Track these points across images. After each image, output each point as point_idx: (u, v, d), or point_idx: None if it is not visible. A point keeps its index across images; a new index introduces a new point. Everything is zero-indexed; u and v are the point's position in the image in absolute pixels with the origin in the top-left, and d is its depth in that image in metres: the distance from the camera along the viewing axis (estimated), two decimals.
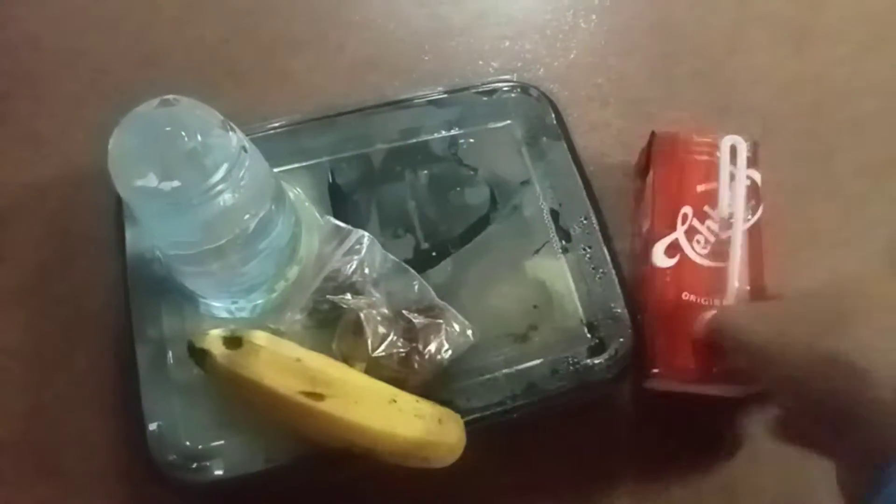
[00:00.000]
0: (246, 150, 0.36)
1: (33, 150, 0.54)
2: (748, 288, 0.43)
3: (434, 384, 0.41)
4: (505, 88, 0.51)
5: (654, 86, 0.57)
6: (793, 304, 0.38)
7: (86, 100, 0.56)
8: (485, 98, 0.51)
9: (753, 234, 0.45)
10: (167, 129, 0.34)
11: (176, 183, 0.34)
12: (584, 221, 0.47)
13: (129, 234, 0.45)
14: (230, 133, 0.36)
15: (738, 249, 0.44)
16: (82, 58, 0.58)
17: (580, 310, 0.45)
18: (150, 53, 0.58)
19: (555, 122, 0.50)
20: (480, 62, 0.58)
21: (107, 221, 0.48)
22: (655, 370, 0.42)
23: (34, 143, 0.54)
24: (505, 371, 0.43)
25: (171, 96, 0.35)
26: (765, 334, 0.36)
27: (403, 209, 0.48)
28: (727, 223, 0.45)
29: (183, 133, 0.35)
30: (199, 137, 0.35)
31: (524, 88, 0.51)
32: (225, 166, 0.35)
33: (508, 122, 0.51)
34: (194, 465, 0.40)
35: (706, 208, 0.46)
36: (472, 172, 0.49)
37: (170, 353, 0.43)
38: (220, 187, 0.35)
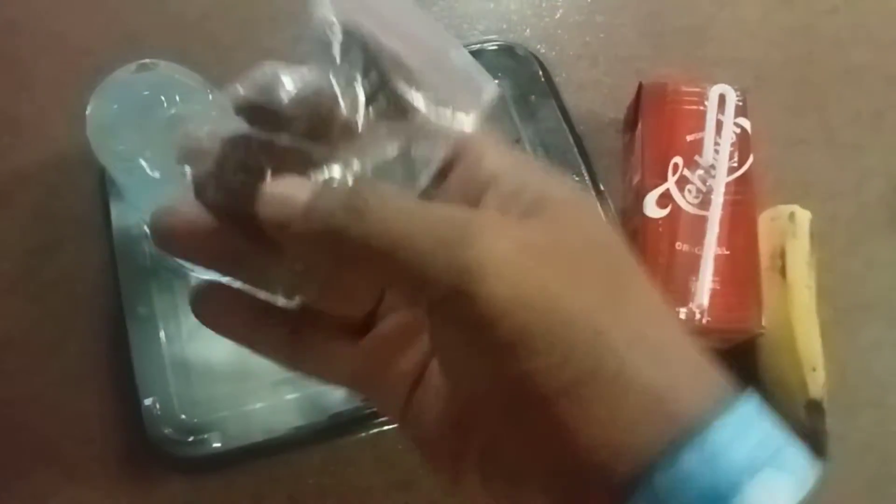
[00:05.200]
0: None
1: (14, 136, 0.53)
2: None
3: None
4: (491, 48, 0.50)
5: (644, 42, 0.57)
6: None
7: (66, 82, 0.55)
8: None
9: (744, 183, 0.45)
10: (146, 92, 0.34)
11: (156, 148, 0.33)
12: (577, 179, 0.46)
13: (114, 212, 0.45)
14: (210, 95, 0.35)
15: (719, 197, 0.44)
16: (61, 40, 0.57)
17: None
18: (130, 32, 0.57)
19: (543, 80, 0.49)
20: (465, 25, 0.57)
21: (92, 204, 0.48)
22: None
23: (15, 128, 0.54)
24: None
25: (148, 60, 0.35)
26: None
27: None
28: (712, 172, 0.45)
29: (162, 97, 0.34)
30: (178, 101, 0.34)
31: (510, 47, 0.51)
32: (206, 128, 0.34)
33: (496, 81, 0.50)
34: (191, 439, 0.40)
35: (697, 157, 0.45)
36: None
37: (162, 330, 0.43)
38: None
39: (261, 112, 0.20)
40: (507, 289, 0.17)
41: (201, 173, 0.20)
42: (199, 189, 0.20)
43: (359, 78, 0.20)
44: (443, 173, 0.21)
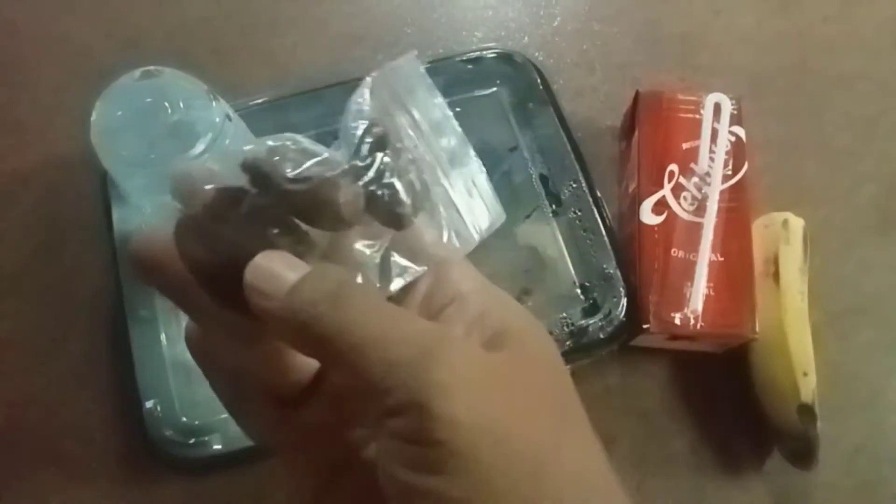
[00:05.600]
0: (230, 119, 0.36)
1: (16, 138, 0.54)
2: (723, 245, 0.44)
3: None
4: (489, 56, 0.51)
5: (640, 50, 0.57)
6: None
7: (67, 85, 0.55)
8: (469, 66, 0.51)
9: (738, 190, 0.45)
10: (149, 99, 0.34)
11: (160, 153, 0.33)
12: (574, 185, 0.47)
13: (116, 215, 0.45)
14: (213, 102, 0.35)
15: (714, 204, 0.45)
16: (62, 43, 0.57)
17: (572, 272, 0.45)
18: (131, 35, 0.57)
19: (541, 87, 0.50)
20: (464, 32, 0.57)
21: (93, 206, 0.48)
22: (646, 325, 0.42)
23: (16, 130, 0.54)
24: None
25: (152, 67, 0.35)
26: None
27: None
28: (707, 179, 0.46)
29: (166, 103, 0.34)
30: (181, 107, 0.34)
31: (509, 55, 0.51)
32: (209, 136, 0.34)
33: (494, 89, 0.50)
34: (192, 441, 0.40)
35: (692, 165, 0.46)
36: None
37: (163, 333, 0.44)
38: (204, 157, 0.34)
39: (265, 177, 0.20)
40: (465, 411, 0.18)
41: (186, 216, 0.20)
42: (179, 230, 0.20)
43: (369, 176, 0.21)
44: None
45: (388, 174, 0.21)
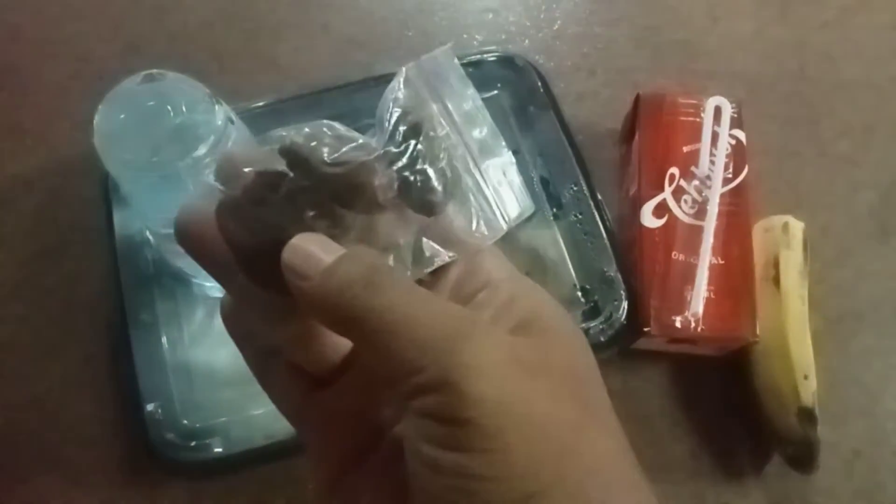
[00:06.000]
0: (233, 122, 0.36)
1: (17, 142, 0.54)
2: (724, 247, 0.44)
3: None
4: (490, 59, 0.51)
5: (641, 54, 0.57)
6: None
7: (68, 89, 0.55)
8: (470, 69, 0.51)
9: (738, 194, 0.46)
10: (152, 103, 0.34)
11: (163, 156, 0.33)
12: (575, 188, 0.47)
13: (117, 219, 0.45)
14: (216, 106, 0.36)
15: (715, 208, 0.45)
16: (64, 47, 0.57)
17: (573, 275, 0.45)
18: (132, 40, 0.58)
19: (542, 90, 0.50)
20: (465, 36, 0.58)
21: (95, 210, 0.48)
22: (647, 329, 0.42)
23: (18, 134, 0.54)
24: None
25: (155, 70, 0.35)
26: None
27: None
28: (708, 182, 0.46)
29: (168, 107, 0.34)
30: (184, 110, 0.34)
31: (510, 58, 0.51)
32: (212, 139, 0.34)
33: (495, 92, 0.51)
34: (193, 444, 0.40)
35: (693, 168, 0.46)
36: None
37: (164, 336, 0.44)
38: (207, 160, 0.35)
39: (303, 161, 0.20)
40: (492, 391, 0.18)
41: (228, 197, 0.20)
42: (220, 210, 0.20)
43: (403, 162, 0.21)
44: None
45: (420, 161, 0.21)
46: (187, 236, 0.21)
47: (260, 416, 0.41)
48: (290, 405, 0.24)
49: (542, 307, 0.22)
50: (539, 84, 0.50)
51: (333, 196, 0.21)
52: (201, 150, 0.34)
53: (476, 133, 0.23)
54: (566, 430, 0.19)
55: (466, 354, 0.19)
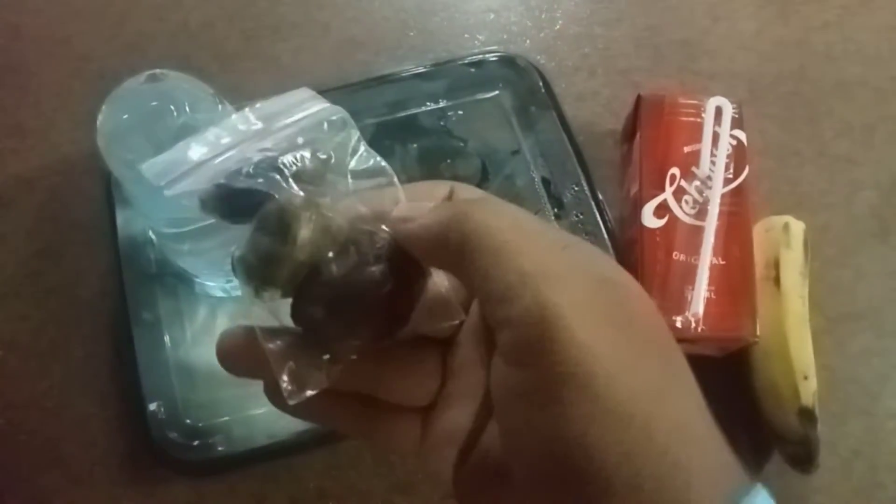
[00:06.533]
0: None
1: (18, 141, 0.54)
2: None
3: None
4: (491, 59, 0.51)
5: (641, 54, 0.57)
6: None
7: (69, 88, 0.55)
8: (472, 69, 0.51)
9: (739, 194, 0.46)
10: (155, 103, 0.34)
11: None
12: (576, 188, 0.47)
13: (120, 218, 0.45)
14: (219, 106, 0.36)
15: (716, 208, 0.45)
16: (65, 46, 0.57)
17: None
18: (133, 40, 0.58)
19: (543, 91, 0.50)
20: (466, 36, 0.58)
21: (96, 209, 0.48)
22: None
23: (19, 133, 0.54)
24: None
25: (158, 70, 0.35)
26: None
27: None
28: (709, 183, 0.46)
29: (172, 107, 0.34)
30: (187, 110, 0.34)
31: (511, 58, 0.51)
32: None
33: (496, 92, 0.51)
34: (196, 443, 0.40)
35: (694, 169, 0.46)
36: (461, 144, 0.49)
37: (166, 335, 0.44)
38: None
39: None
40: (585, 337, 0.18)
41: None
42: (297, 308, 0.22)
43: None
44: None
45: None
46: (228, 358, 0.23)
47: (262, 416, 0.41)
48: (403, 443, 0.24)
49: (614, 272, 0.22)
50: (540, 84, 0.50)
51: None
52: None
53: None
54: (654, 386, 0.19)
55: (566, 294, 0.18)
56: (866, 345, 0.47)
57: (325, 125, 0.23)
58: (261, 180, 0.21)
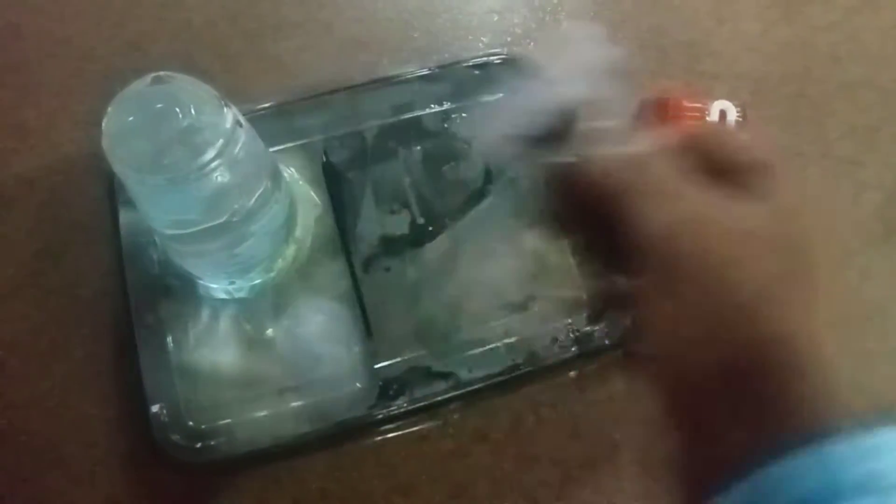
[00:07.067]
0: (241, 126, 0.36)
1: (19, 141, 0.53)
2: None
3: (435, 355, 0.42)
4: (496, 62, 0.51)
5: (645, 56, 0.57)
6: None
7: (71, 88, 0.55)
8: (476, 72, 0.51)
9: None
10: (160, 105, 0.34)
11: (171, 159, 0.33)
12: None
13: (123, 219, 0.45)
14: (224, 109, 0.35)
15: None
16: (66, 46, 0.57)
17: (578, 278, 0.45)
18: (135, 39, 0.57)
19: None
20: (470, 37, 0.57)
21: (98, 209, 0.48)
22: None
23: (20, 133, 0.54)
24: (506, 341, 0.43)
25: (163, 73, 0.35)
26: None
27: (398, 185, 0.48)
28: None
29: (177, 109, 0.34)
30: (192, 113, 0.34)
31: (515, 61, 0.51)
32: (220, 142, 0.34)
33: (501, 95, 0.50)
34: (199, 445, 0.40)
35: None
36: (465, 146, 0.49)
37: (169, 337, 0.43)
38: (215, 163, 0.34)
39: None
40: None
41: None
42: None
43: None
44: None
45: None
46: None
47: (265, 418, 0.41)
48: None
49: None
50: None
51: None
52: (209, 154, 0.34)
53: None
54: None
55: None
56: (870, 347, 0.47)
57: None
58: None
